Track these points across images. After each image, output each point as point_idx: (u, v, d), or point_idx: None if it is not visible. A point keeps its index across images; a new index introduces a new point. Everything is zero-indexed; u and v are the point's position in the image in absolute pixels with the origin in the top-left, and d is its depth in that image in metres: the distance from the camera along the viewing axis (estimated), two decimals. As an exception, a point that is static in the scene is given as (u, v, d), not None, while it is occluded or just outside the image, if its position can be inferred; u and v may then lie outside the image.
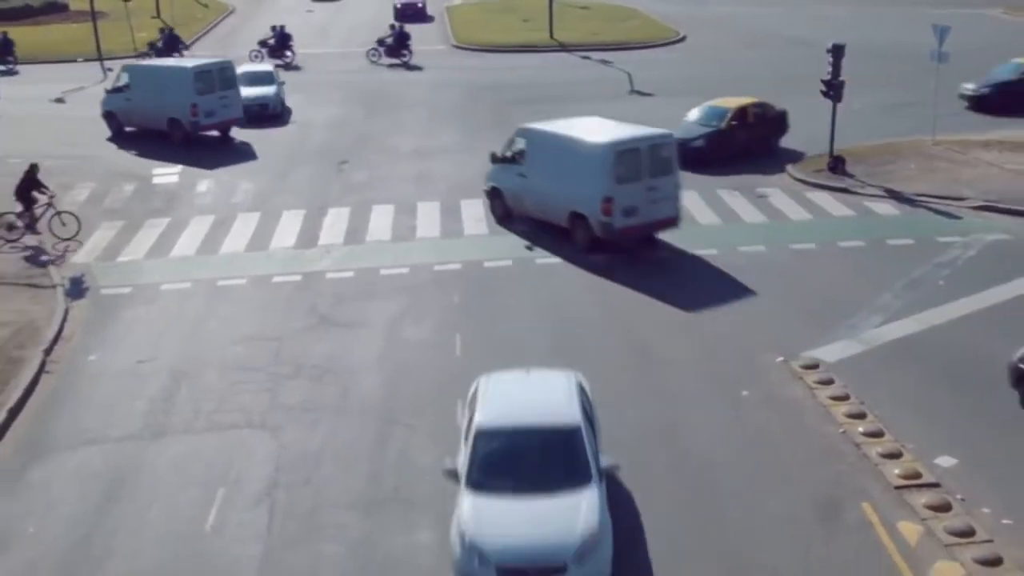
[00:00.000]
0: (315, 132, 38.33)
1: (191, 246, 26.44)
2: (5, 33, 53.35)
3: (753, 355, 19.57)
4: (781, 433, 16.86)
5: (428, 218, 28.06)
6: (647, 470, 15.76)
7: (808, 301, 22.11)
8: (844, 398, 17.76)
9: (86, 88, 44.84)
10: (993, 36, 54.81)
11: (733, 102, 33.72)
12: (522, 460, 13.84)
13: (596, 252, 24.77)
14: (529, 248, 25.37)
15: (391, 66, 51.16)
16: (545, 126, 26.94)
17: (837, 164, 31.00)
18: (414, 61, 51.59)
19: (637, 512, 14.66)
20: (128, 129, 37.47)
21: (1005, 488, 15.07)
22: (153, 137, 36.38)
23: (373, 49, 52.61)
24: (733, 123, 32.76)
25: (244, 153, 35.57)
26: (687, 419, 17.37)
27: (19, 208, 26.81)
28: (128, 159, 34.78)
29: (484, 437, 13.88)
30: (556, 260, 24.62)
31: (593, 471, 13.57)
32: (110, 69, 46.43)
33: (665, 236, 25.96)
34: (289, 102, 41.34)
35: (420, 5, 67.83)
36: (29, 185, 26.90)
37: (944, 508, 14.54)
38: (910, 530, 14.19)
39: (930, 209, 27.93)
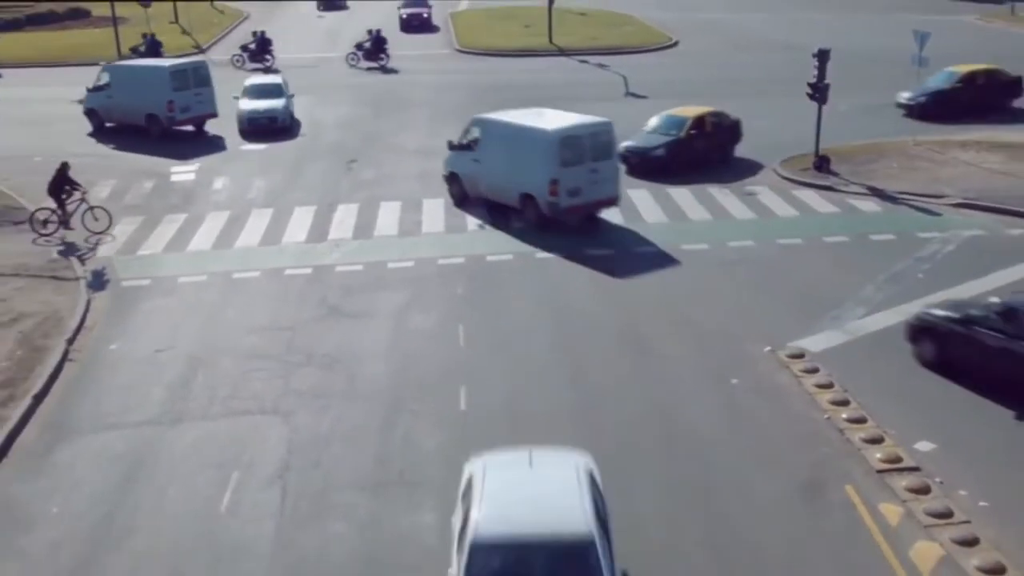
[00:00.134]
0: (325, 132, 38.25)
1: (207, 241, 26.42)
2: None
3: (742, 345, 19.55)
4: (768, 419, 16.86)
5: (433, 214, 28.03)
6: (640, 452, 15.78)
7: (794, 293, 22.09)
8: (828, 386, 17.75)
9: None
10: (969, 41, 54.71)
11: (691, 111, 32.82)
12: None
13: (545, 229, 25.89)
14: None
15: (369, 69, 51.11)
16: (497, 116, 28.25)
17: (822, 163, 30.95)
18: (391, 64, 51.67)
19: (631, 492, 14.66)
20: (108, 125, 38.43)
21: (981, 472, 15.08)
22: (168, 137, 36.43)
23: (352, 53, 52.56)
24: (692, 132, 31.85)
25: (256, 152, 35.52)
26: (679, 405, 17.35)
27: (53, 205, 26.83)
28: (143, 159, 34.77)
29: (481, 553, 10.96)
30: (555, 255, 24.60)
31: None
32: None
33: (660, 232, 26.03)
34: (300, 103, 40.45)
35: (426, 16, 65.82)
36: (61, 182, 26.89)
37: (924, 491, 14.54)
38: (891, 511, 14.19)
39: (911, 206, 27.89)
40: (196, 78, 37.63)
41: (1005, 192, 28.21)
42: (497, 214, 27.34)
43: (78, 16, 73.23)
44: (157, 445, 16.48)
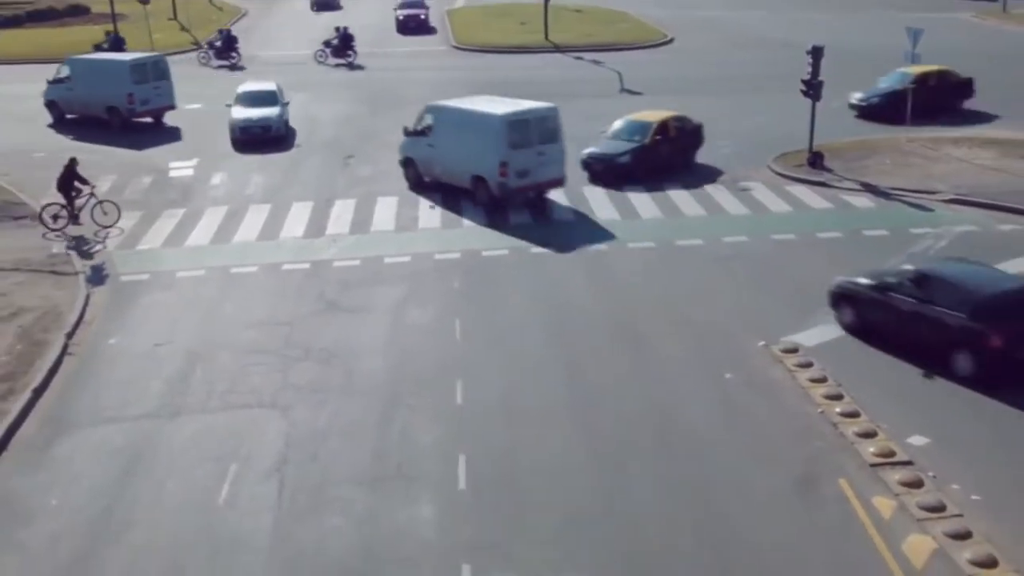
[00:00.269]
0: (322, 129, 38.14)
1: (206, 236, 26.36)
2: None
3: (736, 339, 19.53)
4: (762, 413, 16.82)
5: (429, 209, 27.99)
6: (636, 446, 15.75)
7: (788, 289, 22.06)
8: (822, 380, 17.72)
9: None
10: (961, 39, 54.74)
11: (654, 116, 31.69)
12: None
13: (495, 210, 27.10)
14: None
15: (336, 65, 51.16)
16: (449, 103, 29.43)
17: (816, 159, 30.94)
18: (358, 61, 51.87)
19: (627, 486, 14.65)
20: (69, 116, 39.02)
21: (974, 466, 15.07)
22: (166, 133, 36.35)
23: (320, 51, 52.67)
24: (657, 137, 30.65)
25: (255, 147, 35.42)
26: (674, 399, 17.32)
27: (61, 200, 26.76)
28: (139, 154, 34.66)
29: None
30: (550, 250, 24.56)
31: None
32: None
33: (655, 228, 25.99)
34: (296, 100, 39.48)
35: (423, 17, 64.37)
36: (70, 178, 26.84)
37: (916, 484, 14.52)
38: (884, 505, 14.17)
39: (904, 202, 27.88)
40: (155, 72, 38.45)
41: (997, 188, 28.20)
42: (450, 196, 28.34)
43: (78, 13, 73.14)
44: (156, 439, 16.43)
